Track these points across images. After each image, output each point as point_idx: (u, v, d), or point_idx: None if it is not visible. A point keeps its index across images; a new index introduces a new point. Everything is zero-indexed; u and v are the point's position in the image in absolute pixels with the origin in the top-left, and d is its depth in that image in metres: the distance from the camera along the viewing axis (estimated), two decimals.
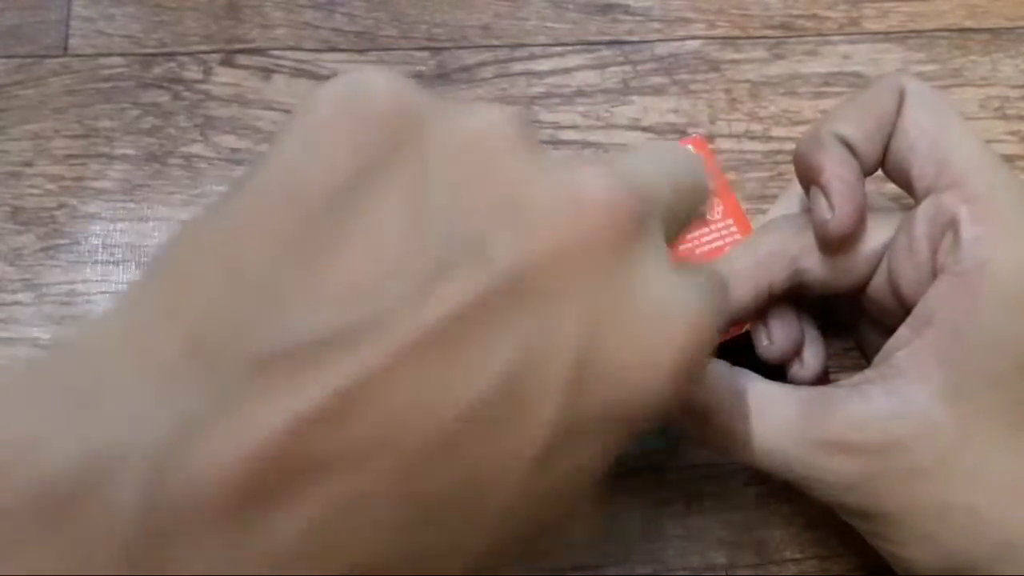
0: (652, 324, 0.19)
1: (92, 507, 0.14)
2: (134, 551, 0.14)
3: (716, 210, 0.37)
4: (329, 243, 0.17)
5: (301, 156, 0.18)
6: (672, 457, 0.35)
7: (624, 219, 0.18)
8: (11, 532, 0.14)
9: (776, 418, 0.27)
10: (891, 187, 0.31)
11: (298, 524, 0.15)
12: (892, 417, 0.26)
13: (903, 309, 0.29)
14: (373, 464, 0.16)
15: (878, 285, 0.30)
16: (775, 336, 0.32)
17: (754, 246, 0.32)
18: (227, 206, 0.18)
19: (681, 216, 0.23)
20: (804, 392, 0.28)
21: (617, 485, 0.34)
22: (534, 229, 0.17)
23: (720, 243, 0.37)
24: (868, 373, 0.28)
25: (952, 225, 0.27)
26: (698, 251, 0.37)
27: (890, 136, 0.29)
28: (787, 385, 0.28)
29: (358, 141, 0.18)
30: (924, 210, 0.28)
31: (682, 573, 0.33)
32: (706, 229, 0.37)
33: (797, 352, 0.33)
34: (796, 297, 0.32)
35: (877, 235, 0.30)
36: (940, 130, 0.28)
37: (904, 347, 0.27)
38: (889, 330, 0.29)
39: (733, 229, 0.37)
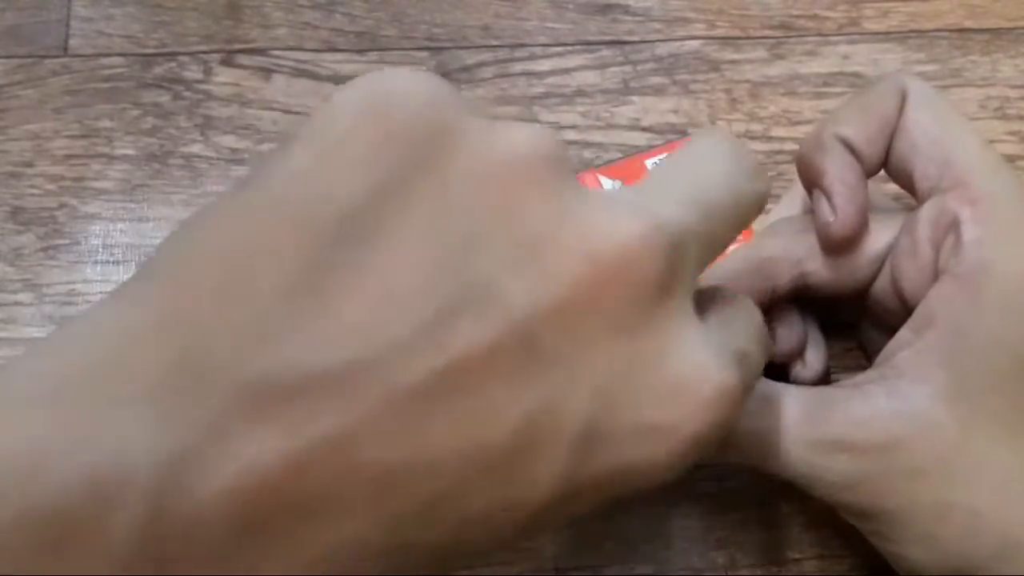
0: (673, 395, 0.18)
1: (94, 536, 0.14)
2: None
3: None
4: (336, 274, 0.16)
5: (315, 170, 0.17)
6: None
7: (650, 273, 0.17)
8: (10, 559, 0.14)
9: (778, 418, 0.27)
10: (892, 187, 0.31)
11: (291, 561, 0.15)
12: (893, 417, 0.26)
13: (906, 310, 0.29)
14: (365, 511, 0.15)
15: (881, 286, 0.31)
16: (778, 337, 0.32)
17: (758, 249, 0.32)
18: (232, 213, 0.17)
19: (722, 239, 0.22)
20: (805, 392, 0.28)
21: None
22: (551, 280, 0.17)
23: None
24: (870, 373, 0.28)
25: (954, 226, 0.27)
26: None
27: (892, 137, 0.29)
28: (788, 385, 0.28)
29: (379, 158, 0.17)
30: (927, 211, 0.28)
31: (682, 573, 0.33)
32: None
33: (800, 353, 0.33)
34: (799, 298, 0.32)
35: (880, 236, 0.30)
36: (942, 130, 0.28)
37: (905, 348, 0.27)
38: (892, 330, 0.29)
39: None
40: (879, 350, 0.33)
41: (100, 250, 0.37)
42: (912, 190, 0.29)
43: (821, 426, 0.27)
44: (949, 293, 0.27)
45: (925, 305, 0.27)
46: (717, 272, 0.31)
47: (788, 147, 0.40)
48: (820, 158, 0.29)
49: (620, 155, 0.39)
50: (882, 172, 0.31)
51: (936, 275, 0.28)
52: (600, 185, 0.38)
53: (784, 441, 0.27)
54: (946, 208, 0.28)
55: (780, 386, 0.28)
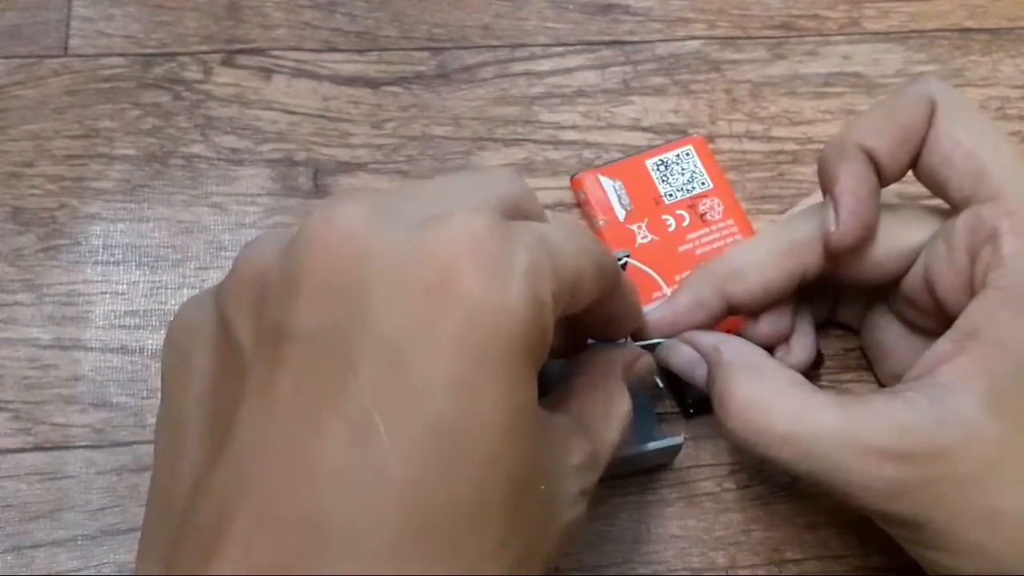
0: None
1: None
2: None
3: (717, 210, 0.37)
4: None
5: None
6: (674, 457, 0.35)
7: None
8: None
9: (818, 421, 0.27)
10: (913, 188, 0.31)
11: None
12: (938, 425, 0.26)
13: (938, 310, 0.29)
14: None
15: (912, 284, 0.31)
16: (766, 322, 0.33)
17: (790, 230, 0.32)
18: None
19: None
20: (844, 397, 0.28)
21: (617, 485, 0.34)
22: None
23: (720, 243, 0.37)
24: (909, 383, 0.28)
25: (992, 238, 0.27)
26: (698, 251, 0.37)
27: (920, 147, 0.29)
28: (826, 392, 0.28)
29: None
30: (964, 221, 0.28)
31: (683, 573, 0.33)
32: (707, 229, 0.37)
33: (784, 339, 0.33)
34: (822, 284, 0.33)
35: (913, 233, 0.30)
36: (975, 142, 0.28)
37: (946, 360, 0.27)
38: (915, 326, 0.30)
39: (734, 229, 0.37)
40: (882, 351, 0.33)
41: (100, 250, 0.37)
42: (946, 198, 0.29)
43: (865, 432, 0.26)
44: (991, 306, 0.27)
45: (966, 318, 0.27)
46: (747, 253, 0.32)
47: (788, 147, 0.40)
48: (838, 165, 0.30)
49: (621, 155, 0.39)
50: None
51: (972, 283, 0.28)
52: (601, 185, 0.38)
53: (825, 446, 0.27)
54: (983, 219, 0.28)
55: (819, 393, 0.28)
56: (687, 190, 0.38)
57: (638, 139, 0.40)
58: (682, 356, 0.32)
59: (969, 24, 0.43)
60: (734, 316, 0.33)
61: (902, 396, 0.27)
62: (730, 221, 0.37)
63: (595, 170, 0.38)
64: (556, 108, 0.41)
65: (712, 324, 0.32)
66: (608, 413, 0.27)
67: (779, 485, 0.34)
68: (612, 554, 0.33)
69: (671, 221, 0.37)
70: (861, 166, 0.29)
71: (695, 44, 0.42)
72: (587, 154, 0.40)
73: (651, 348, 0.32)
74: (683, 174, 0.38)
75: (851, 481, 0.26)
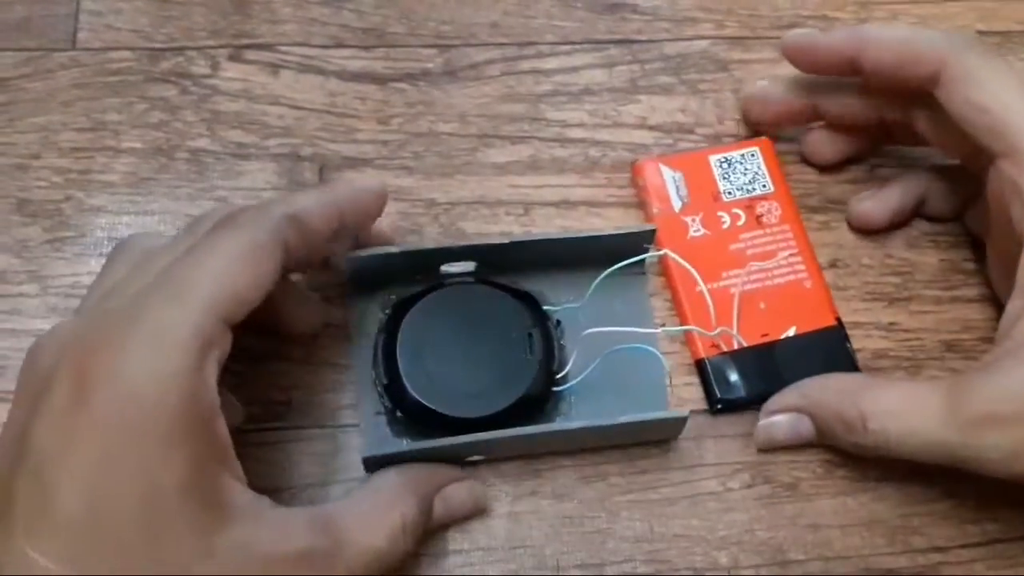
0: None
1: None
2: None
3: (774, 214, 0.37)
4: None
5: None
6: (674, 458, 0.34)
7: None
8: None
9: (923, 411, 0.29)
10: None
11: None
12: None
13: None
14: None
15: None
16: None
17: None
18: None
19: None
20: (939, 382, 0.30)
21: (618, 484, 0.34)
22: None
23: (773, 247, 0.37)
24: (995, 351, 0.30)
25: (1018, 193, 0.30)
26: (749, 252, 0.37)
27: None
28: (923, 381, 0.31)
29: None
30: (991, 178, 0.31)
31: (685, 573, 0.33)
32: (761, 232, 0.37)
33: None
34: None
35: (988, 93, 0.31)
36: (988, 98, 0.31)
37: (1018, 320, 0.29)
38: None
39: (789, 236, 0.37)
40: (993, 265, 0.35)
41: (105, 243, 0.37)
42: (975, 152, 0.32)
43: (968, 407, 0.28)
44: None
45: (1020, 274, 0.29)
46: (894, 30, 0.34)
47: (797, 148, 0.40)
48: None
49: (628, 153, 0.39)
50: None
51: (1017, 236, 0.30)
52: (661, 174, 0.38)
53: (936, 431, 0.29)
54: (1004, 175, 0.30)
55: (915, 383, 0.31)
56: (747, 190, 0.38)
57: (645, 138, 0.40)
58: (782, 427, 0.34)
59: (980, 27, 0.43)
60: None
61: (990, 366, 0.29)
62: (786, 227, 0.37)
63: (657, 158, 0.38)
64: (563, 106, 0.40)
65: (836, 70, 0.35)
66: (372, 517, 0.28)
67: (782, 485, 0.34)
68: (614, 553, 0.33)
69: (726, 218, 0.37)
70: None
71: (703, 44, 0.42)
72: (593, 152, 0.39)
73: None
74: (745, 174, 0.38)
75: (968, 455, 0.28)
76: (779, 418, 0.34)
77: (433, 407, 0.32)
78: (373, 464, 0.31)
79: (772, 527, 0.34)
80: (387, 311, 0.34)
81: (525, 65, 0.41)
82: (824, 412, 0.33)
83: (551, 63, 0.41)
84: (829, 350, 0.36)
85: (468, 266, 0.34)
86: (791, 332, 0.36)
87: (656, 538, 0.33)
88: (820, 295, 0.36)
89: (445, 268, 0.34)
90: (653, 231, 0.35)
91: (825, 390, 0.33)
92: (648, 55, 0.42)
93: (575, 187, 0.39)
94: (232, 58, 0.41)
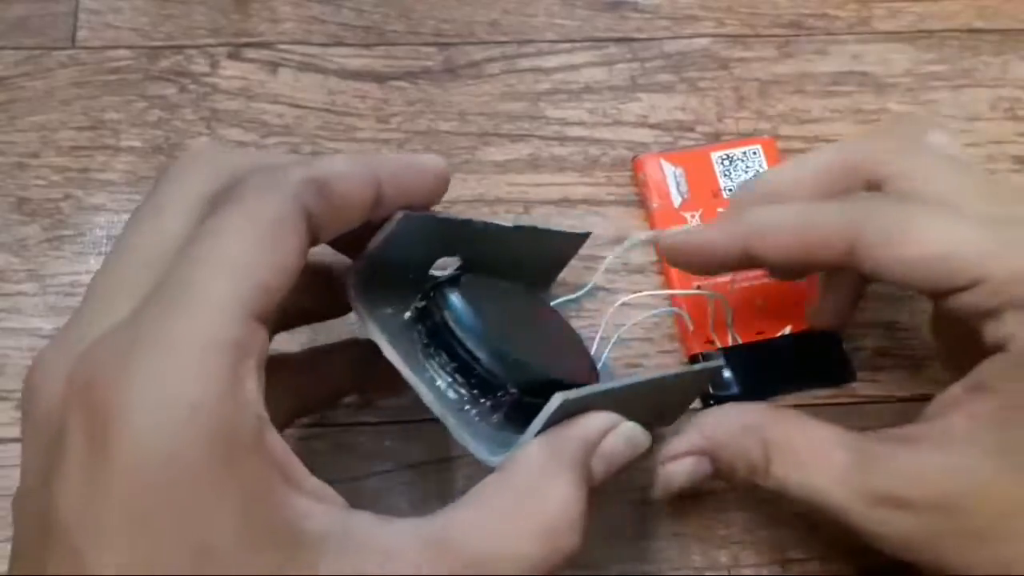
0: None
1: None
2: None
3: None
4: None
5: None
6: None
7: None
8: None
9: (827, 469, 0.27)
10: None
11: None
12: (947, 473, 0.26)
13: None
14: None
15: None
16: (828, 303, 0.34)
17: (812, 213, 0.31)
18: None
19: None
20: (852, 438, 0.27)
21: (620, 482, 0.34)
22: None
23: None
24: (920, 426, 0.27)
25: (993, 315, 0.26)
26: None
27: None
28: (834, 428, 0.28)
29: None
30: (952, 308, 0.28)
31: (685, 572, 0.33)
32: None
33: (842, 326, 0.35)
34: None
35: (932, 241, 0.28)
36: (926, 247, 0.27)
37: (956, 408, 0.27)
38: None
39: None
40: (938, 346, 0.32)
41: (104, 242, 0.37)
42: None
43: (875, 478, 0.26)
44: (1002, 365, 0.26)
45: (978, 372, 0.27)
46: (795, 169, 0.31)
47: (796, 146, 0.40)
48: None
49: (628, 152, 0.39)
50: None
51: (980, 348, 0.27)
52: (662, 169, 0.38)
53: (836, 491, 0.26)
54: (972, 304, 0.27)
55: (825, 428, 0.28)
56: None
57: (645, 136, 0.40)
58: (681, 474, 0.29)
59: (979, 24, 0.43)
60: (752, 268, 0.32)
61: (912, 442, 0.27)
62: None
63: (659, 153, 0.38)
64: (563, 104, 0.40)
65: (731, 266, 0.31)
66: (517, 519, 0.22)
67: None
68: (614, 551, 0.33)
69: None
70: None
71: (703, 42, 0.42)
72: (593, 151, 0.39)
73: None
74: (747, 171, 0.38)
75: (862, 527, 0.26)
76: (678, 465, 0.29)
77: (556, 377, 0.27)
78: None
79: (772, 526, 0.33)
80: (424, 299, 0.28)
81: (525, 63, 0.41)
82: (727, 453, 0.29)
83: (551, 61, 0.41)
84: (824, 350, 0.36)
85: (454, 262, 0.31)
86: (787, 331, 0.36)
87: (656, 537, 0.33)
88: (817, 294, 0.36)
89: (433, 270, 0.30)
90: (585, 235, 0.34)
91: (729, 427, 0.29)
92: (648, 53, 0.42)
93: (575, 185, 0.39)
94: (231, 56, 0.40)
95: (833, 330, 0.35)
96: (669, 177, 0.38)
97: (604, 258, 0.36)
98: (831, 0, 0.43)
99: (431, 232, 0.28)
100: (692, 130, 0.40)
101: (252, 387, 0.20)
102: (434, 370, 0.27)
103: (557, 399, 0.24)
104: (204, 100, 0.39)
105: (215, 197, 0.22)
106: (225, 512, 0.19)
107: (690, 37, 0.42)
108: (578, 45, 0.42)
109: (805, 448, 0.27)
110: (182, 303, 0.20)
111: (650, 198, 0.38)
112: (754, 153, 0.38)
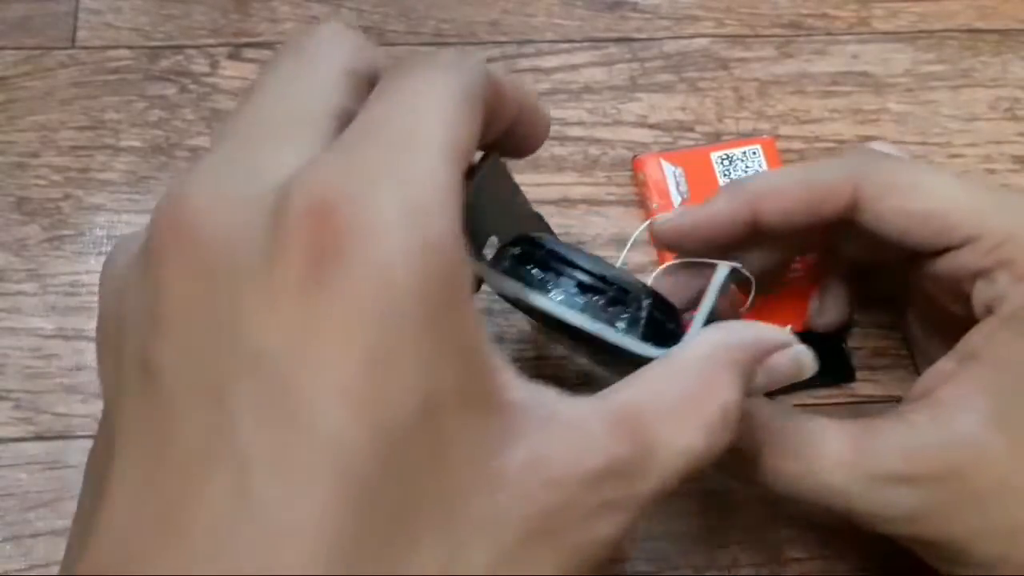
0: None
1: None
2: None
3: None
4: None
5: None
6: None
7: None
8: None
9: (827, 454, 0.26)
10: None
11: None
12: (946, 445, 0.26)
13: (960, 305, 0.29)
14: None
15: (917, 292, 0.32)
16: (825, 308, 0.35)
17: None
18: None
19: None
20: (850, 424, 0.27)
21: None
22: None
23: None
24: (912, 405, 0.27)
25: (983, 275, 0.27)
26: None
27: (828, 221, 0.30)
28: (826, 419, 0.27)
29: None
30: (943, 267, 0.28)
31: (685, 571, 0.33)
32: None
33: (844, 329, 0.35)
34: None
35: (920, 199, 0.29)
36: (924, 203, 0.28)
37: (947, 380, 0.27)
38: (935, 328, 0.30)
39: None
40: (913, 346, 0.33)
41: (104, 241, 0.37)
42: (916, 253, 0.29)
43: (874, 458, 0.26)
44: (991, 329, 0.27)
45: (967, 341, 0.27)
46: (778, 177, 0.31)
47: (795, 146, 0.40)
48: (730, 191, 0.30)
49: (627, 152, 0.39)
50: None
51: (969, 313, 0.28)
52: (662, 168, 0.38)
53: (838, 477, 0.26)
54: (964, 264, 0.28)
55: (822, 419, 0.27)
56: None
57: (644, 136, 0.40)
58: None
59: (978, 24, 0.43)
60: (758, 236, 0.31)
61: (906, 419, 0.27)
62: None
63: (659, 153, 0.38)
64: (562, 104, 0.40)
65: (734, 238, 0.30)
66: (684, 407, 0.21)
67: None
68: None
69: None
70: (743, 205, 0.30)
71: (703, 42, 0.42)
72: (593, 150, 0.39)
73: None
74: (747, 171, 0.38)
75: (866, 511, 0.26)
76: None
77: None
78: None
79: (772, 526, 0.34)
80: (516, 244, 0.27)
81: (525, 63, 0.41)
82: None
83: (551, 61, 0.41)
84: (824, 350, 0.36)
85: None
86: (787, 330, 0.36)
87: (656, 536, 0.33)
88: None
89: None
90: None
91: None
92: (648, 53, 0.42)
93: (575, 185, 0.39)
94: (231, 56, 0.41)
95: (835, 330, 0.35)
96: (669, 177, 0.38)
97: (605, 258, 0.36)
98: (831, 0, 0.43)
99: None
100: (692, 130, 0.40)
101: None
102: (567, 297, 0.25)
103: (724, 267, 0.25)
104: (204, 100, 0.39)
105: (405, 64, 0.20)
106: (453, 362, 0.17)
107: (690, 37, 0.42)
108: (578, 45, 0.42)
109: (793, 434, 0.27)
110: (406, 143, 0.18)
111: (650, 198, 0.38)
112: (754, 153, 0.38)
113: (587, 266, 0.25)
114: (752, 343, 0.23)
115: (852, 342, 0.36)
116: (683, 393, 0.21)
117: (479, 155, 0.24)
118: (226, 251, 0.17)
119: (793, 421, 0.27)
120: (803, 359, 0.25)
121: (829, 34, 0.42)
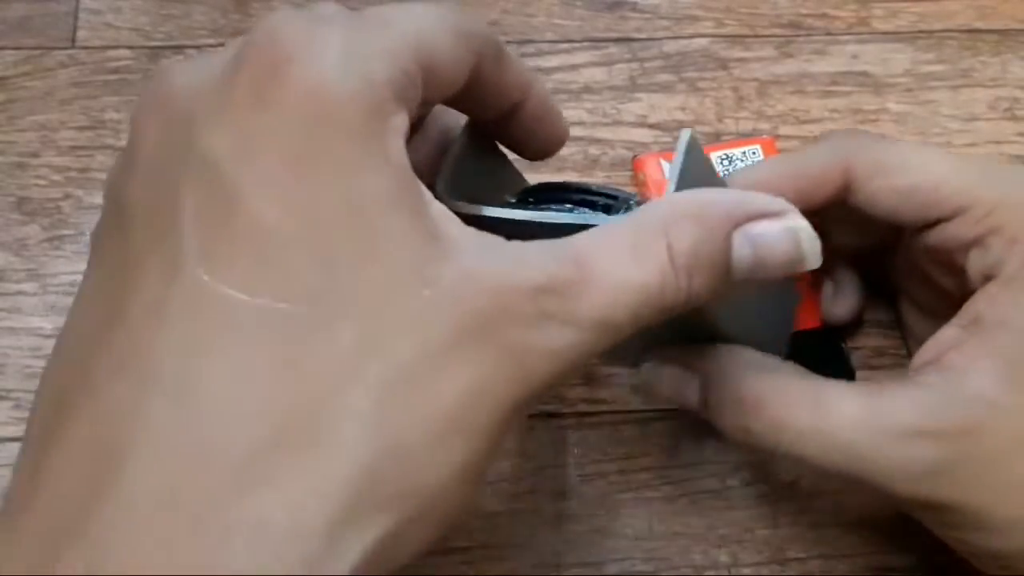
0: None
1: None
2: None
3: None
4: None
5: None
6: (674, 455, 0.34)
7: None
8: None
9: (839, 411, 0.26)
10: None
11: None
12: (961, 404, 0.26)
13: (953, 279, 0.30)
14: None
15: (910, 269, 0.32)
16: (837, 303, 0.35)
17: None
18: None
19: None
20: (856, 387, 0.27)
21: (617, 482, 0.34)
22: None
23: None
24: (921, 371, 0.27)
25: (977, 244, 0.28)
26: None
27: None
28: (834, 381, 0.27)
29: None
30: (936, 239, 0.29)
31: (685, 571, 0.33)
32: None
33: (855, 320, 0.35)
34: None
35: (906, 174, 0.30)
36: (912, 176, 0.29)
37: (954, 347, 0.27)
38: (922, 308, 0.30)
39: None
40: (907, 333, 0.34)
41: None
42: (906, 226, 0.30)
43: (891, 415, 0.26)
44: (994, 294, 0.27)
45: (970, 307, 0.27)
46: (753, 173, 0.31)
47: (795, 145, 0.40)
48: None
49: (627, 152, 0.39)
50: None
51: (966, 282, 0.28)
52: (661, 168, 0.38)
53: (851, 434, 0.26)
54: (956, 234, 0.28)
55: (828, 383, 0.27)
56: None
57: (644, 136, 0.40)
58: (666, 377, 0.29)
59: (978, 25, 0.43)
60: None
61: (916, 381, 0.27)
62: None
63: (659, 153, 0.38)
64: (562, 104, 0.40)
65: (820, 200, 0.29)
66: (628, 243, 0.21)
67: (782, 483, 0.34)
68: (613, 550, 0.33)
69: None
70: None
71: (703, 42, 0.42)
72: (592, 150, 0.39)
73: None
74: None
75: (883, 468, 0.26)
76: (669, 371, 0.29)
77: None
78: None
79: (772, 525, 0.34)
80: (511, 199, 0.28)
81: (525, 63, 0.41)
82: (721, 379, 0.27)
83: (551, 61, 0.41)
84: (824, 349, 0.36)
85: None
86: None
87: (655, 536, 0.33)
88: (816, 294, 0.36)
89: None
90: None
91: (738, 358, 0.28)
92: (648, 53, 0.42)
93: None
94: None
95: (850, 320, 0.36)
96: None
97: None
98: (830, 0, 0.43)
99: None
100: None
101: (399, 112, 0.21)
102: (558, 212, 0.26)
103: (686, 132, 0.24)
104: None
105: None
106: (382, 175, 0.19)
107: (689, 37, 0.42)
108: (577, 45, 0.42)
109: (802, 392, 0.27)
110: (369, 25, 0.21)
111: (650, 197, 0.38)
112: (753, 153, 0.38)
113: (574, 185, 0.27)
114: (728, 202, 0.22)
115: (852, 342, 0.36)
116: (633, 236, 0.21)
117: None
118: (192, 94, 0.20)
119: (802, 377, 0.28)
120: (801, 234, 0.23)
121: (829, 34, 0.42)
